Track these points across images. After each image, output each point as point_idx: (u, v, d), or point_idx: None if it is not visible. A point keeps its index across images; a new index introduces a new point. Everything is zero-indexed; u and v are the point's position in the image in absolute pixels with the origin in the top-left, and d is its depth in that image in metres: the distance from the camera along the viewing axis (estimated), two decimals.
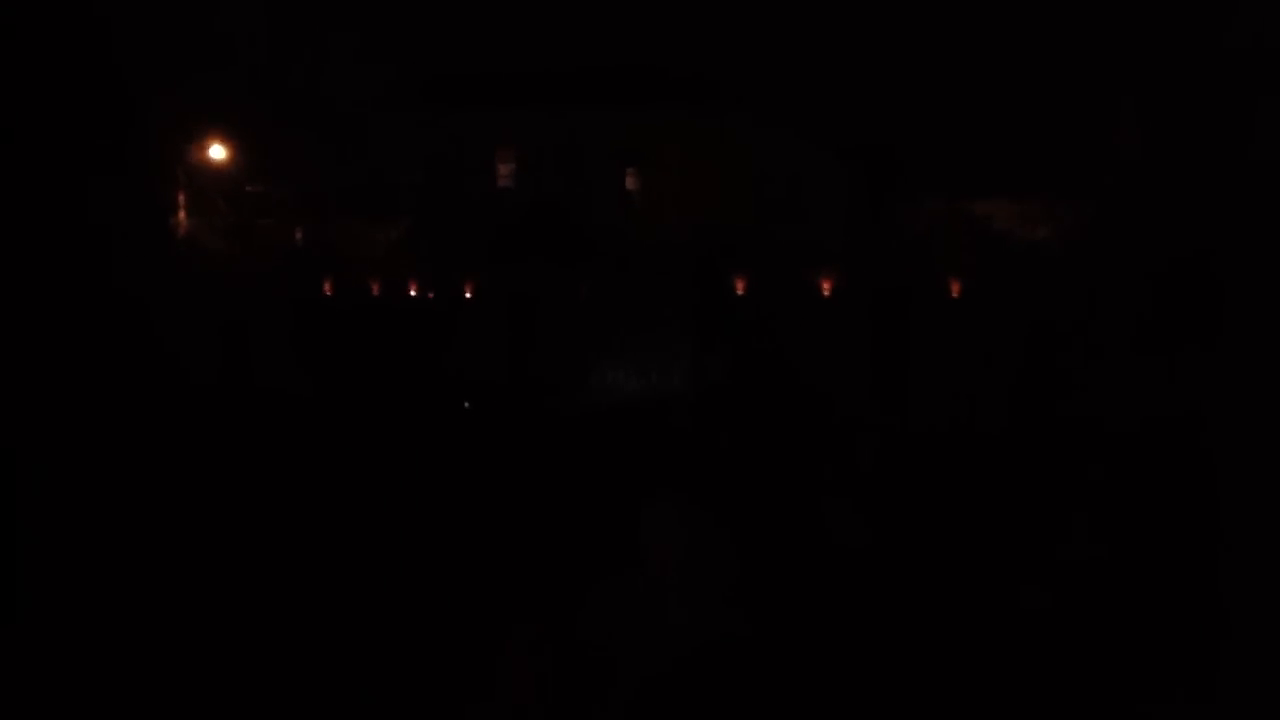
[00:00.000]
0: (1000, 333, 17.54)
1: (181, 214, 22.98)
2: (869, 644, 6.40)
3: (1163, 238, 19.00)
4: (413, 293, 22.85)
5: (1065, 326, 17.62)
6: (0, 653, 6.02)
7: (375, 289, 23.09)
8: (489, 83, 25.14)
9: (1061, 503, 9.90)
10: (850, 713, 5.43)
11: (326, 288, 23.52)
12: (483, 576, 7.59)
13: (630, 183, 24.42)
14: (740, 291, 19.99)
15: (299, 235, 26.79)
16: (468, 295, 22.13)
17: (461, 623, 6.71)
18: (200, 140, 23.88)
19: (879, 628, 6.72)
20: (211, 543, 8.02)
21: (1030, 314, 17.97)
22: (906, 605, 7.24)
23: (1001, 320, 17.85)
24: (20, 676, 5.78)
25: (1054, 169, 24.38)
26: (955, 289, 19.53)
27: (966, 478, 10.94)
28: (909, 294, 18.94)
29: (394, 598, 7.20)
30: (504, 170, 25.40)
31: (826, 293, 19.63)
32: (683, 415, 14.37)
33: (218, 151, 24.44)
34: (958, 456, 12.06)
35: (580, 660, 3.74)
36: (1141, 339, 16.94)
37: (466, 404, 17.02)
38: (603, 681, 3.71)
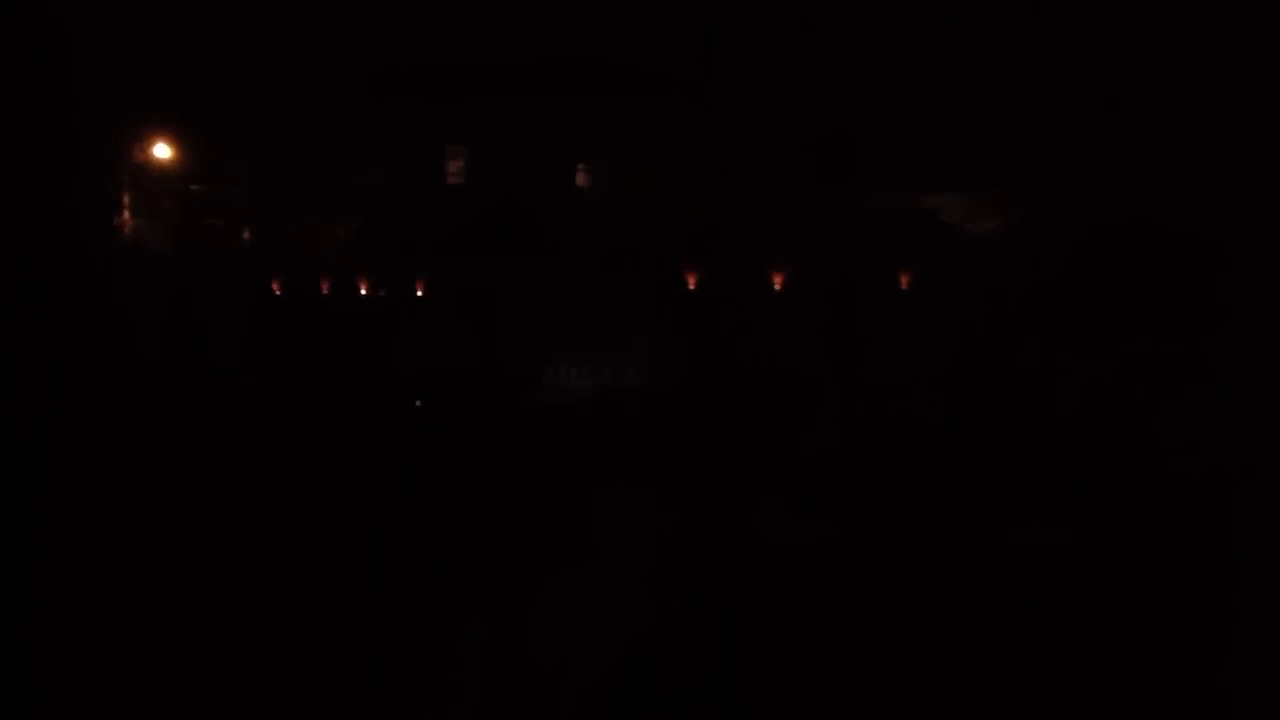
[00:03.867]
0: (948, 322, 17.67)
1: (126, 214, 22.66)
2: (827, 631, 6.42)
3: (1108, 226, 19.22)
4: (363, 291, 22.63)
5: (1012, 315, 17.79)
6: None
7: (325, 287, 22.81)
8: (440, 76, 24.94)
9: (1013, 487, 9.98)
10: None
11: (275, 287, 23.22)
12: (433, 568, 7.55)
13: (584, 176, 24.32)
14: (695, 284, 19.98)
15: (247, 234, 26.49)
16: (419, 293, 21.94)
17: (417, 611, 6.67)
18: (146, 139, 23.55)
19: (838, 615, 6.73)
20: (171, 522, 8.03)
21: (978, 303, 18.13)
22: (869, 593, 7.27)
23: (950, 310, 17.99)
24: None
25: (1001, 162, 24.61)
26: (905, 280, 19.64)
27: (919, 463, 11.01)
28: (860, 285, 19.05)
29: (349, 588, 7.16)
30: (455, 165, 25.21)
31: (780, 285, 19.66)
32: (640, 408, 14.35)
33: (163, 150, 24.10)
34: (910, 442, 12.15)
35: (536, 649, 3.70)
36: (1088, 326, 17.12)
37: (418, 402, 16.91)
38: (557, 669, 3.68)
